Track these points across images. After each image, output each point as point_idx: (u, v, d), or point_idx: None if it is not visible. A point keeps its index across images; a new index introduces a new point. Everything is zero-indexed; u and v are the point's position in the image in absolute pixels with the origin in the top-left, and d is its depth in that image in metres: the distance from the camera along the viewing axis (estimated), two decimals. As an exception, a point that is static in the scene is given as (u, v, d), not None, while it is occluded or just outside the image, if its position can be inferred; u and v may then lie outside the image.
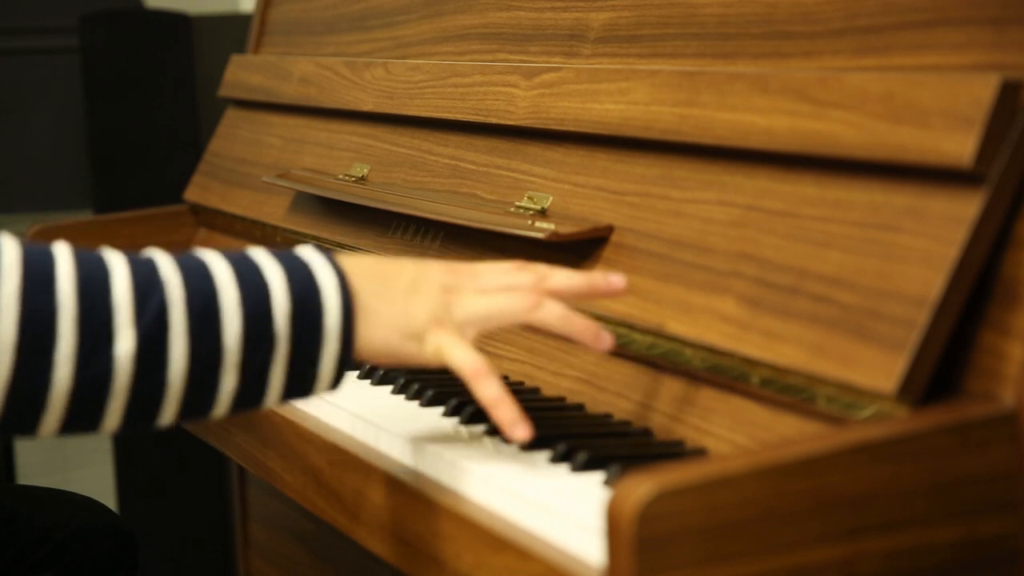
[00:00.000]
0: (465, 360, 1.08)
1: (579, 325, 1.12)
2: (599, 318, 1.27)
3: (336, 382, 1.08)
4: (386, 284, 1.09)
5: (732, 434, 1.12)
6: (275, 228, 1.91)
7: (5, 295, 0.98)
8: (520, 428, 1.07)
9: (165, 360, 1.01)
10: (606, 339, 1.12)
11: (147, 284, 1.02)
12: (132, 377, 1.00)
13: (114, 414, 1.01)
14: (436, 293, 1.10)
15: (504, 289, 1.11)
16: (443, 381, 1.32)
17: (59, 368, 0.98)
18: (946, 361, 1.01)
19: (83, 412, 1.00)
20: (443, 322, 1.09)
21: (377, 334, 1.08)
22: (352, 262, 1.09)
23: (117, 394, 1.00)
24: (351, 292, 1.07)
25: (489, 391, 1.07)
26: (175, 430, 1.72)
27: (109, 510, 1.75)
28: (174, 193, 2.29)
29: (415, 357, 1.09)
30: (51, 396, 0.99)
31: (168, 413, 1.03)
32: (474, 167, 1.56)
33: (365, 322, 1.07)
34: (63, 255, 1.02)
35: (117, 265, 1.02)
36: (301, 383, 1.06)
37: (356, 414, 1.26)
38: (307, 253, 1.09)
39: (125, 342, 1.00)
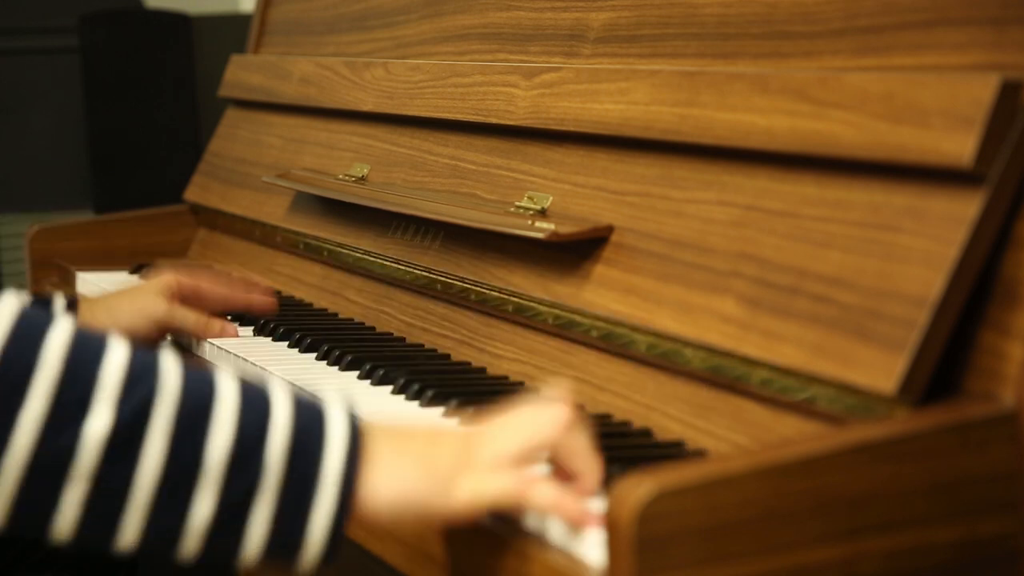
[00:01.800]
0: (506, 483, 0.97)
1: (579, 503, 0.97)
2: (598, 318, 1.27)
3: (328, 550, 0.95)
4: (404, 437, 0.99)
5: (732, 434, 1.12)
6: (275, 228, 1.91)
7: None
8: (589, 520, 0.95)
9: (137, 454, 0.91)
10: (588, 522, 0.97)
11: (141, 369, 0.93)
12: (98, 463, 0.91)
13: (70, 506, 0.91)
14: (457, 440, 0.99)
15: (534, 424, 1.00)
16: (443, 381, 1.32)
17: (19, 434, 0.90)
18: (946, 361, 1.01)
19: (36, 492, 0.91)
20: (470, 465, 0.97)
21: (391, 485, 0.96)
22: (370, 422, 0.99)
23: (77, 479, 0.91)
24: (360, 444, 0.96)
25: (544, 496, 0.96)
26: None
27: (109, 510, 1.75)
28: (174, 193, 2.29)
29: (443, 510, 0.97)
30: (5, 467, 0.90)
31: (131, 527, 0.93)
32: (474, 167, 1.56)
33: (374, 471, 0.96)
34: (64, 321, 0.94)
35: (117, 345, 0.95)
36: (286, 537, 0.94)
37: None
38: (327, 396, 1.00)
39: (99, 421, 0.91)
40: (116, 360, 0.93)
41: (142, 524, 0.93)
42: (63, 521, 0.92)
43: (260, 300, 1.66)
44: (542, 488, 0.97)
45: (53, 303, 1.56)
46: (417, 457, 0.97)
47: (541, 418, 1.00)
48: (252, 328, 1.64)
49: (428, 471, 0.97)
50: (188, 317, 1.58)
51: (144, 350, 0.96)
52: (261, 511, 0.94)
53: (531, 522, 1.00)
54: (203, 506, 0.93)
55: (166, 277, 1.60)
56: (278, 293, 1.85)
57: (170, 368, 0.95)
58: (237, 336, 1.60)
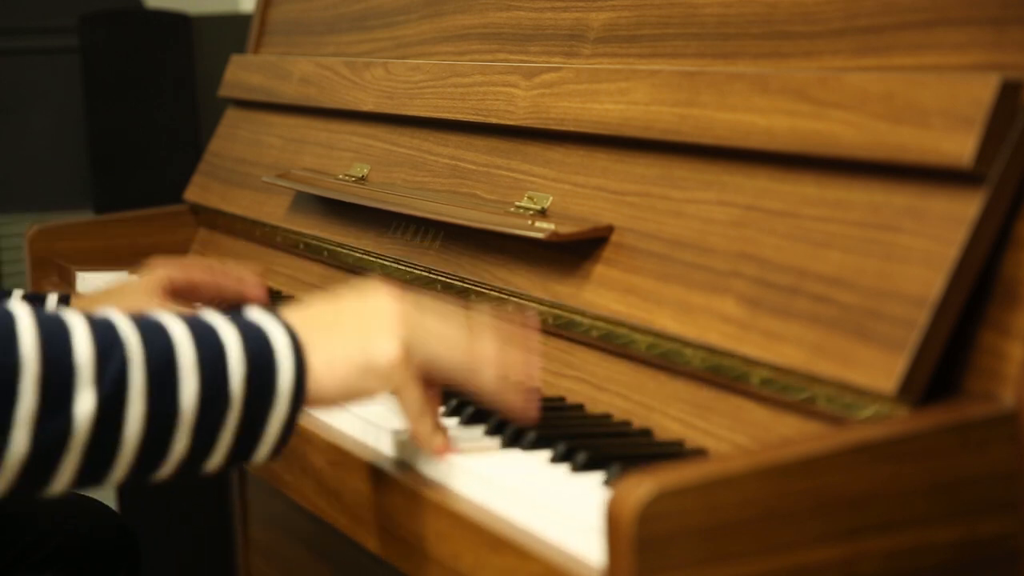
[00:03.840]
0: (410, 405, 1.09)
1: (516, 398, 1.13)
2: (598, 318, 1.27)
3: (278, 449, 1.06)
4: (335, 329, 1.08)
5: (732, 434, 1.12)
6: (275, 228, 1.91)
7: None
8: (531, 412, 1.11)
9: (122, 421, 1.00)
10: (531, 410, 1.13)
11: (107, 343, 1.00)
12: (89, 437, 0.99)
13: (65, 473, 1.00)
14: (393, 324, 1.08)
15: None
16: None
17: (17, 429, 0.96)
18: (946, 361, 1.01)
19: (36, 472, 0.99)
20: (404, 359, 1.07)
21: (332, 372, 1.06)
22: (299, 316, 1.08)
23: (72, 454, 0.99)
24: (303, 352, 1.05)
25: (425, 428, 1.10)
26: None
27: (110, 510, 1.75)
28: (174, 193, 2.29)
29: (374, 392, 1.08)
30: (7, 458, 0.97)
31: (118, 472, 1.02)
32: (474, 167, 1.56)
33: (314, 367, 1.06)
34: (23, 314, 0.99)
35: (77, 325, 1.00)
36: (245, 446, 1.05)
37: (356, 414, 1.26)
38: (259, 315, 1.08)
39: (86, 402, 0.98)
40: (82, 340, 0.99)
41: (126, 470, 1.02)
42: (58, 485, 1.01)
43: (252, 289, 1.66)
44: (426, 421, 1.10)
45: (46, 301, 1.56)
46: (338, 329, 1.07)
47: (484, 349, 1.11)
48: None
49: (364, 363, 1.06)
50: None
51: (97, 317, 1.02)
52: (227, 435, 1.04)
53: (532, 521, 1.01)
54: (179, 445, 1.02)
55: (158, 274, 1.60)
56: (278, 293, 1.86)
57: (127, 329, 1.02)
58: None
